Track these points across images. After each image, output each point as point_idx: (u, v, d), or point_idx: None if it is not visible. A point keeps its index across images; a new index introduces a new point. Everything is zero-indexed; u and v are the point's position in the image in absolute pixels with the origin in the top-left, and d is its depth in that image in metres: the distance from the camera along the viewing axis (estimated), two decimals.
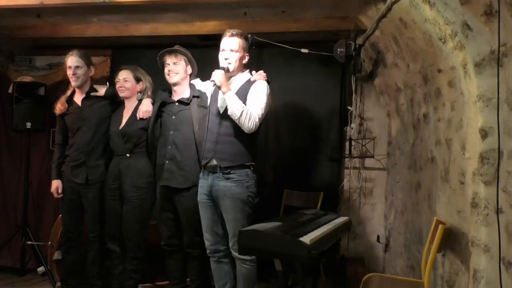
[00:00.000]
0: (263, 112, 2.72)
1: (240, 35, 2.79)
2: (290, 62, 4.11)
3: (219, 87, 2.68)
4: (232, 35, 2.78)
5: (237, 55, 2.78)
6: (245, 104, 2.70)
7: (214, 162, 2.78)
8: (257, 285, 2.83)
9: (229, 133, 2.75)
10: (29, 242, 3.88)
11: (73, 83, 3.34)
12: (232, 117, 2.67)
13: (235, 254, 2.75)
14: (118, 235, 3.30)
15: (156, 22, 3.84)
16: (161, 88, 3.33)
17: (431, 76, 2.63)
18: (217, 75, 2.66)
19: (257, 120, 2.69)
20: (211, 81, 2.69)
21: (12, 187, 4.47)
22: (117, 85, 3.29)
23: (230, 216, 2.76)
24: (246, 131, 2.70)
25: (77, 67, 3.30)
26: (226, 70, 2.75)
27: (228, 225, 2.78)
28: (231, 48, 2.77)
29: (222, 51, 2.80)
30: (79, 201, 3.35)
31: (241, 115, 2.64)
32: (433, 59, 2.48)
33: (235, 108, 2.64)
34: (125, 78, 3.27)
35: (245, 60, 2.86)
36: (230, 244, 2.79)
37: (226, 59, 2.77)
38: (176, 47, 3.19)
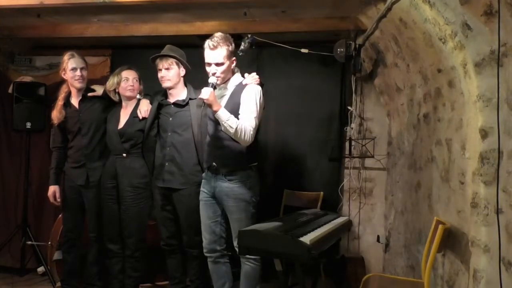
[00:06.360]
0: (256, 121, 2.67)
1: (223, 43, 2.64)
2: (290, 62, 4.11)
3: (209, 106, 2.60)
4: (214, 47, 2.63)
5: (224, 67, 2.68)
6: (238, 109, 2.66)
7: (215, 165, 2.78)
8: (260, 284, 2.83)
9: (226, 137, 2.71)
10: (29, 242, 3.87)
11: (79, 84, 3.32)
12: (226, 133, 2.63)
13: None
14: (116, 235, 3.31)
15: (156, 22, 3.84)
16: (157, 89, 3.30)
17: (431, 76, 2.63)
18: (206, 94, 2.54)
19: (252, 132, 2.63)
20: (199, 98, 2.60)
21: (12, 187, 4.46)
22: (126, 84, 3.24)
23: (234, 217, 2.76)
24: (242, 144, 2.66)
25: (82, 68, 3.30)
26: (215, 87, 2.65)
27: (233, 225, 2.78)
28: (216, 62, 2.66)
29: (208, 65, 2.69)
30: (80, 201, 3.36)
31: (235, 131, 2.57)
32: (433, 59, 2.48)
33: (228, 126, 2.57)
34: (134, 78, 3.27)
35: (233, 65, 2.79)
36: (235, 243, 2.77)
37: (213, 74, 2.67)
38: (166, 48, 3.16)
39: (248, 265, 2.77)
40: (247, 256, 2.72)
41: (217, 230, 2.85)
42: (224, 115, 2.58)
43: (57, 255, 3.60)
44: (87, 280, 3.43)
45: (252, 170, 2.79)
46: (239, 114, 2.67)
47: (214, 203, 2.84)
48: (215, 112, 2.60)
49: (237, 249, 2.76)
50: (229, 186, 2.74)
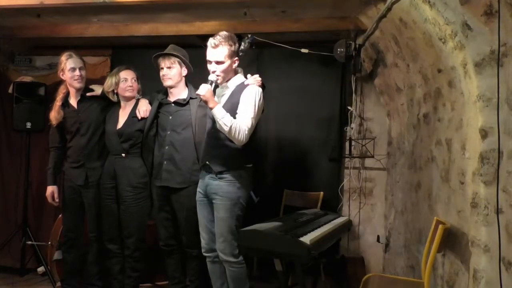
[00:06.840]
0: (253, 122, 2.65)
1: (225, 42, 2.65)
2: (290, 62, 4.11)
3: (205, 102, 2.60)
4: (216, 45, 2.64)
5: (224, 66, 2.68)
6: (237, 108, 2.65)
7: (208, 164, 2.78)
8: (248, 285, 2.79)
9: (223, 137, 2.70)
10: (29, 242, 3.87)
11: (78, 84, 3.32)
12: (221, 131, 2.63)
13: (221, 255, 2.72)
14: (115, 235, 3.31)
15: (156, 22, 3.84)
16: (157, 89, 3.31)
17: (431, 76, 2.63)
18: (203, 90, 2.56)
19: (246, 132, 2.61)
20: (196, 94, 2.62)
21: (12, 187, 4.47)
22: (125, 85, 3.24)
23: (218, 215, 2.73)
24: (236, 143, 2.65)
25: (81, 68, 3.30)
26: (216, 86, 2.67)
27: (216, 224, 2.75)
28: (216, 60, 2.66)
29: (209, 62, 2.70)
30: (80, 201, 3.36)
31: (229, 130, 2.57)
32: (433, 59, 2.48)
33: (222, 124, 2.57)
34: (133, 78, 3.27)
35: (235, 65, 2.78)
36: (217, 244, 2.74)
37: (213, 72, 2.68)
38: (170, 48, 3.17)
39: (230, 269, 2.73)
40: (228, 260, 2.69)
41: (214, 230, 2.82)
42: (219, 113, 2.58)
43: (57, 255, 3.60)
44: (87, 280, 3.43)
45: (245, 171, 2.77)
46: (237, 113, 2.67)
47: (207, 203, 2.82)
48: (211, 109, 2.60)
49: (219, 252, 2.72)
50: (219, 184, 2.72)
